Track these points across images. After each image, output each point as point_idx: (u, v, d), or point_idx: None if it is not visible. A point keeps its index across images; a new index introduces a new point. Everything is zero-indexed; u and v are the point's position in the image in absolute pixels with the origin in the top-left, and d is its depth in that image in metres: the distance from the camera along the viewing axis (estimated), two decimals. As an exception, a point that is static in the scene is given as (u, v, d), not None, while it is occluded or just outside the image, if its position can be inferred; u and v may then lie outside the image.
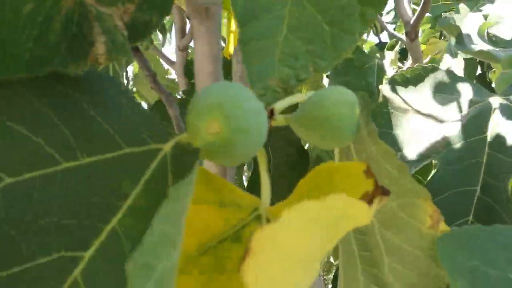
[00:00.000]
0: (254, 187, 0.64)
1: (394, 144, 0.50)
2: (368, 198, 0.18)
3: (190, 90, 0.76)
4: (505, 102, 0.51)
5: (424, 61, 1.33)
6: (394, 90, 0.55)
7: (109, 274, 0.19)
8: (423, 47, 1.34)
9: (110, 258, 0.19)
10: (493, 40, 1.02)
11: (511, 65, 0.67)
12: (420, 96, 0.55)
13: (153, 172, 0.21)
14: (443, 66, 1.21)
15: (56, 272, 0.19)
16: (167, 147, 0.21)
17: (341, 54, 0.25)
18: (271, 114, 0.25)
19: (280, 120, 0.26)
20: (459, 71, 1.14)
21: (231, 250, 0.23)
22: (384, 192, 0.19)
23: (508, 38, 0.94)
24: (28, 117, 0.19)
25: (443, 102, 0.54)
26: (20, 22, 0.19)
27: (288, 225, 0.15)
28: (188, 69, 0.69)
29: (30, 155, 0.19)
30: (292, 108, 0.27)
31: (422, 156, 0.49)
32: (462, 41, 0.83)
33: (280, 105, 0.26)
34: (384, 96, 0.55)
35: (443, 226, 0.22)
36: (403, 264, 0.24)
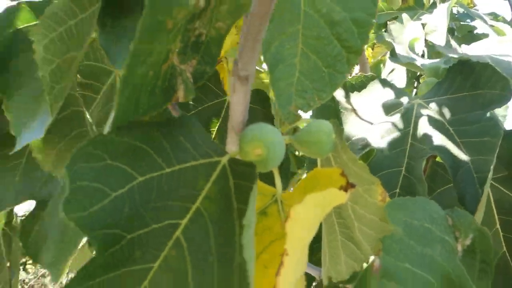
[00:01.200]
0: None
1: (344, 137, 0.66)
2: (344, 189, 0.33)
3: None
4: (424, 104, 0.68)
5: (371, 62, 1.50)
6: (343, 94, 0.72)
7: (198, 233, 0.33)
8: (370, 50, 1.51)
9: (198, 224, 0.33)
10: (430, 45, 1.19)
11: (431, 74, 0.85)
12: (363, 99, 0.72)
13: (218, 174, 0.35)
14: (387, 68, 1.39)
15: (167, 231, 0.33)
16: (224, 159, 0.35)
17: (336, 87, 0.40)
18: (281, 135, 0.39)
19: (286, 140, 0.40)
20: (402, 73, 1.32)
21: (260, 221, 0.38)
22: (352, 185, 0.34)
23: (442, 44, 1.10)
24: (149, 141, 0.33)
25: (379, 104, 0.71)
26: (145, 84, 0.33)
27: (306, 204, 0.30)
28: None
29: (150, 164, 0.33)
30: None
31: (364, 145, 0.66)
32: (395, 54, 1.00)
33: (285, 129, 0.40)
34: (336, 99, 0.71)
35: (388, 199, 0.38)
36: (366, 226, 0.39)
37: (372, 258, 0.40)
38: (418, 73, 1.40)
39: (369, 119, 0.69)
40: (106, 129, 0.29)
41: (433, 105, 0.67)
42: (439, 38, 1.11)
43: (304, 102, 0.39)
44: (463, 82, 0.65)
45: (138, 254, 0.31)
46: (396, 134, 0.65)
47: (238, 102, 0.37)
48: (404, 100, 0.69)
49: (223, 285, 0.30)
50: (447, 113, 0.64)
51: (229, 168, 0.35)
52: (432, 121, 0.64)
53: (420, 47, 1.12)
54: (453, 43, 1.10)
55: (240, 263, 0.29)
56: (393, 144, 0.64)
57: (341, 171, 0.35)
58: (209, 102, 0.90)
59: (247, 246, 0.27)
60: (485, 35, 1.31)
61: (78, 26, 0.42)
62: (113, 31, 0.41)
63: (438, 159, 0.70)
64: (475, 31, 1.36)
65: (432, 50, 1.27)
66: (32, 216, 0.52)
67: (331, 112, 0.52)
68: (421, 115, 0.66)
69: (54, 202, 0.53)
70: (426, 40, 1.15)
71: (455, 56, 0.70)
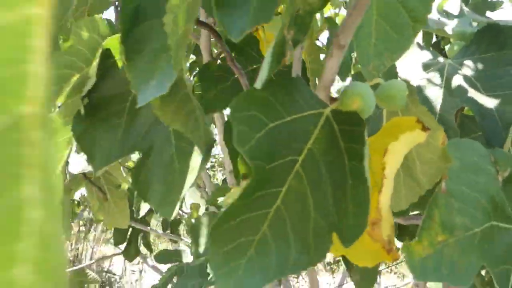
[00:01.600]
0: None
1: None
2: (423, 130, 0.44)
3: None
4: (453, 63, 0.78)
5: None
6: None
7: (312, 166, 0.44)
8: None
9: (311, 159, 0.44)
10: (446, 13, 1.27)
11: (459, 38, 0.95)
12: (399, 60, 0.82)
13: (323, 122, 0.45)
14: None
15: (290, 165, 0.43)
16: (327, 111, 0.46)
17: (404, 51, 0.50)
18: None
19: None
20: (419, 39, 1.41)
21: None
22: (428, 128, 0.44)
23: (456, 14, 1.18)
24: (276, 95, 0.43)
25: (414, 64, 0.81)
26: (277, 48, 0.43)
27: (401, 141, 0.41)
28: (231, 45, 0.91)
29: (276, 113, 0.43)
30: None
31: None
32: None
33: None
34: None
35: (447, 142, 0.48)
36: (428, 165, 0.50)
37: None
38: (433, 40, 1.49)
39: (405, 77, 0.79)
40: (258, 85, 0.40)
41: (462, 65, 0.77)
42: (453, 6, 1.19)
43: (380, 63, 0.49)
44: (491, 44, 0.75)
45: (272, 181, 0.42)
46: (429, 89, 0.75)
47: (333, 65, 0.47)
48: (438, 60, 0.79)
49: (338, 202, 0.42)
50: (475, 70, 0.75)
51: (332, 117, 0.45)
52: (461, 78, 0.74)
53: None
54: (467, 10, 1.19)
55: (355, 183, 0.40)
56: (427, 97, 0.74)
57: (417, 119, 0.46)
58: (250, 67, 1.00)
59: (367, 168, 0.38)
60: (499, 3, 1.39)
61: (195, 1, 0.51)
62: (227, 6, 0.50)
63: (465, 111, 0.81)
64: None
65: (449, 17, 1.34)
66: (139, 163, 0.63)
67: (393, 75, 0.62)
68: (452, 73, 0.76)
69: (155, 153, 0.64)
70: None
71: (484, 19, 0.79)
